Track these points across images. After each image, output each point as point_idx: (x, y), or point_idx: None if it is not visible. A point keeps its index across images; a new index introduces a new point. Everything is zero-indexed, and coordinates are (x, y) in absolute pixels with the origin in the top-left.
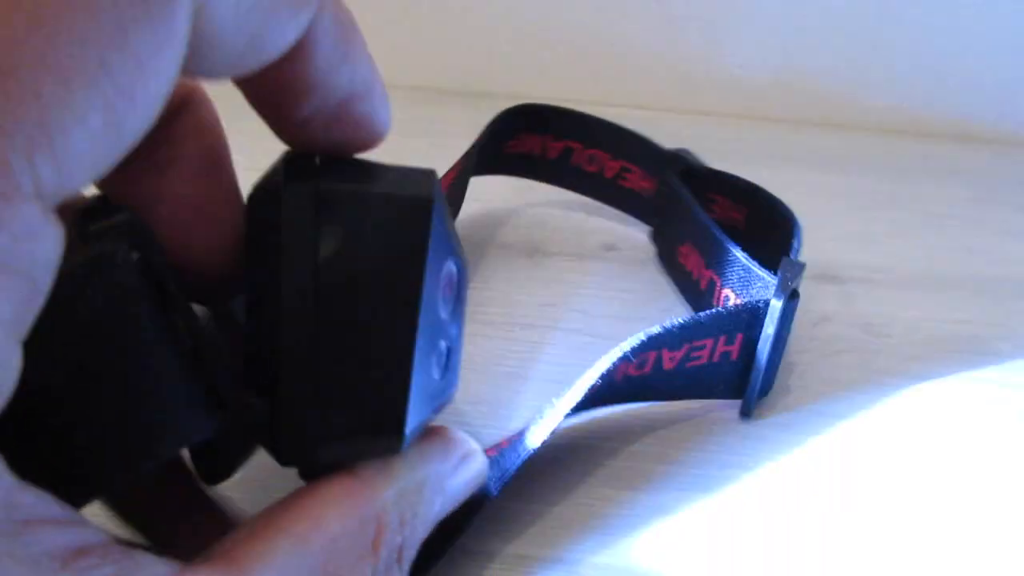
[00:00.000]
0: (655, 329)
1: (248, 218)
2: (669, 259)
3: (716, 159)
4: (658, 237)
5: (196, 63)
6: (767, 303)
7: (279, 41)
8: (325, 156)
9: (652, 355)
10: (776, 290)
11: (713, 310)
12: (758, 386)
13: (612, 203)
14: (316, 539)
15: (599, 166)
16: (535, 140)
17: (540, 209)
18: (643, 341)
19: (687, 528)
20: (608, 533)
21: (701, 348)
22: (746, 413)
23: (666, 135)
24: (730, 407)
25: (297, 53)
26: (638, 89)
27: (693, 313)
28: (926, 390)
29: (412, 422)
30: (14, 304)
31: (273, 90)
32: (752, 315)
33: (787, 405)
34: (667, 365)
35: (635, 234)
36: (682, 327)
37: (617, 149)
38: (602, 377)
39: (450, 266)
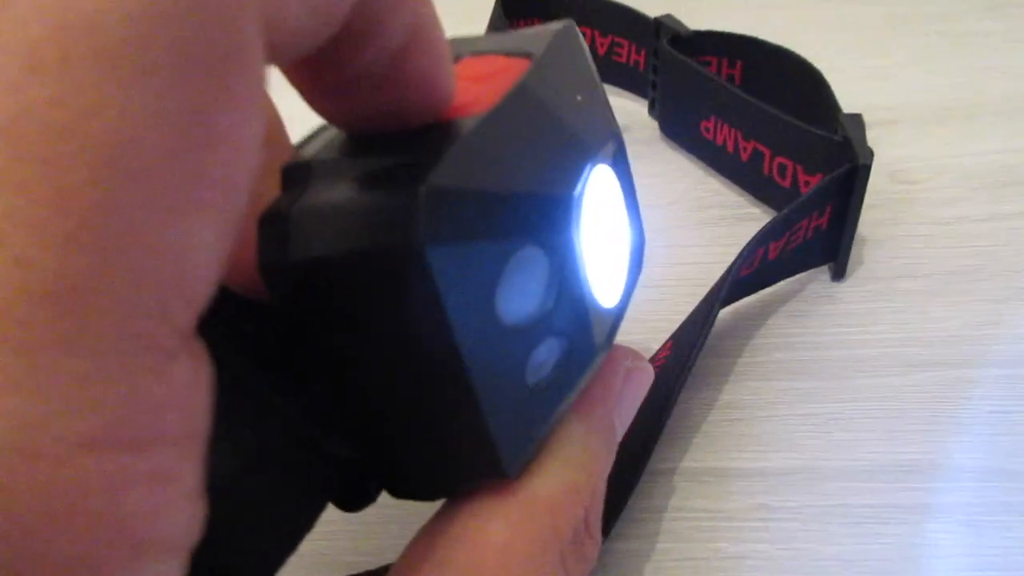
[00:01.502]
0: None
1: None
2: (688, 135)
3: (716, 5)
4: (665, 113)
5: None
6: (856, 168)
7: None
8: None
9: (760, 251)
10: (860, 151)
11: (808, 192)
12: (851, 248)
13: (610, 81)
14: (485, 558)
15: (590, 43)
16: (523, 25)
17: None
18: (754, 242)
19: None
20: (733, 435)
21: (799, 230)
22: (840, 275)
23: None
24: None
25: None
26: None
27: (728, 184)
28: (957, 235)
29: (511, 454)
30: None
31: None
32: (842, 183)
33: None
34: (772, 256)
35: (641, 110)
36: (785, 217)
37: (604, 22)
38: (726, 288)
39: (522, 257)
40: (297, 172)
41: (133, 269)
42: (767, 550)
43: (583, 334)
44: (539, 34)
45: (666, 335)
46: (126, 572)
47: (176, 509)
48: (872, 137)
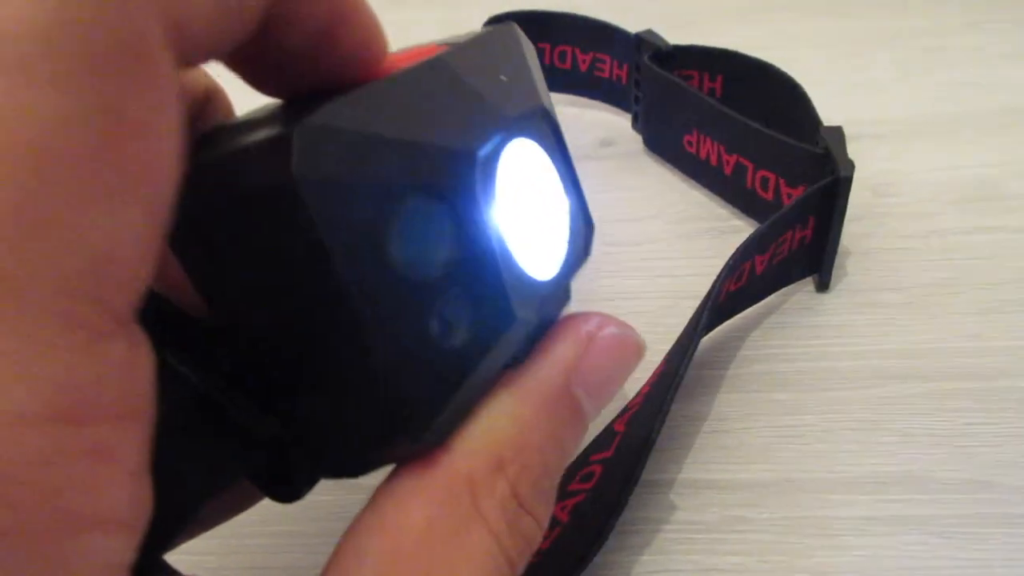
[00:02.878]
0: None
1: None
2: (671, 149)
3: (700, 20)
4: (648, 126)
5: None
6: (838, 180)
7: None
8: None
9: (747, 265)
10: (841, 163)
11: (790, 204)
12: (834, 260)
13: (594, 96)
14: (403, 542)
15: (572, 61)
16: None
17: None
18: (739, 255)
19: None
20: (711, 447)
21: (783, 243)
22: (825, 286)
23: (639, 1)
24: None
25: None
26: None
27: (712, 197)
28: (937, 248)
29: (420, 413)
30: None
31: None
32: (823, 195)
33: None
34: (759, 270)
35: (625, 124)
36: (768, 228)
37: (584, 41)
38: (712, 301)
39: (417, 205)
40: (208, 135)
41: (56, 256)
42: (744, 562)
43: (497, 298)
44: (477, 33)
45: (647, 347)
46: (66, 546)
47: (117, 486)
48: (855, 150)
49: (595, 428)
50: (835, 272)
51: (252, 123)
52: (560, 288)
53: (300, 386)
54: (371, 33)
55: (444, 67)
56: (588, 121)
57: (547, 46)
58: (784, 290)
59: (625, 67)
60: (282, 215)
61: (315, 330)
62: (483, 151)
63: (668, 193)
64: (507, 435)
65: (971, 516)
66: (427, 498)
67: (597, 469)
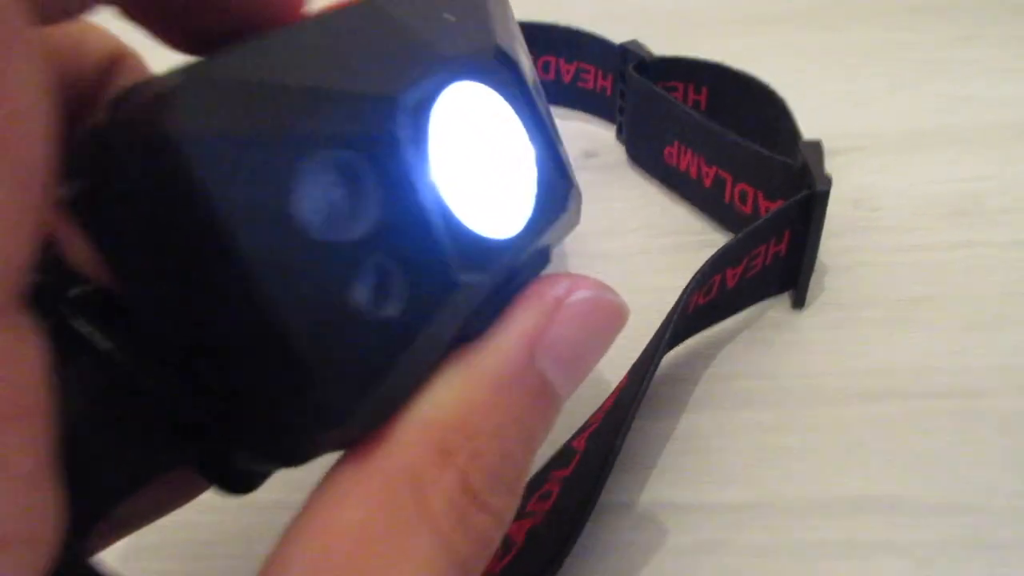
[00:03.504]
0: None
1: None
2: (652, 160)
3: (682, 32)
4: (631, 138)
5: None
6: (814, 194)
7: None
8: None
9: (717, 278)
10: (818, 177)
11: (764, 216)
12: (811, 276)
13: (578, 107)
14: (336, 544)
15: (555, 72)
16: None
17: None
18: (710, 266)
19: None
20: (689, 467)
21: (757, 256)
22: (800, 303)
23: (625, 12)
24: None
25: None
26: None
27: (694, 211)
28: (920, 263)
29: (343, 393)
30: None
31: None
32: (800, 209)
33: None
34: (730, 283)
35: (611, 135)
36: (740, 241)
37: (568, 51)
38: (679, 313)
39: (326, 159)
40: (117, 99)
41: None
42: None
43: (435, 262)
44: None
45: (621, 362)
46: None
47: (7, 495)
48: (838, 164)
49: (556, 443)
50: (817, 287)
51: (157, 82)
52: (529, 248)
53: (218, 368)
54: None
55: (372, 6)
56: (572, 132)
57: (530, 55)
58: (765, 305)
59: (610, 77)
60: (169, 178)
61: (220, 305)
62: (409, 96)
63: (651, 206)
64: (455, 419)
65: (953, 541)
66: (363, 495)
67: (555, 488)
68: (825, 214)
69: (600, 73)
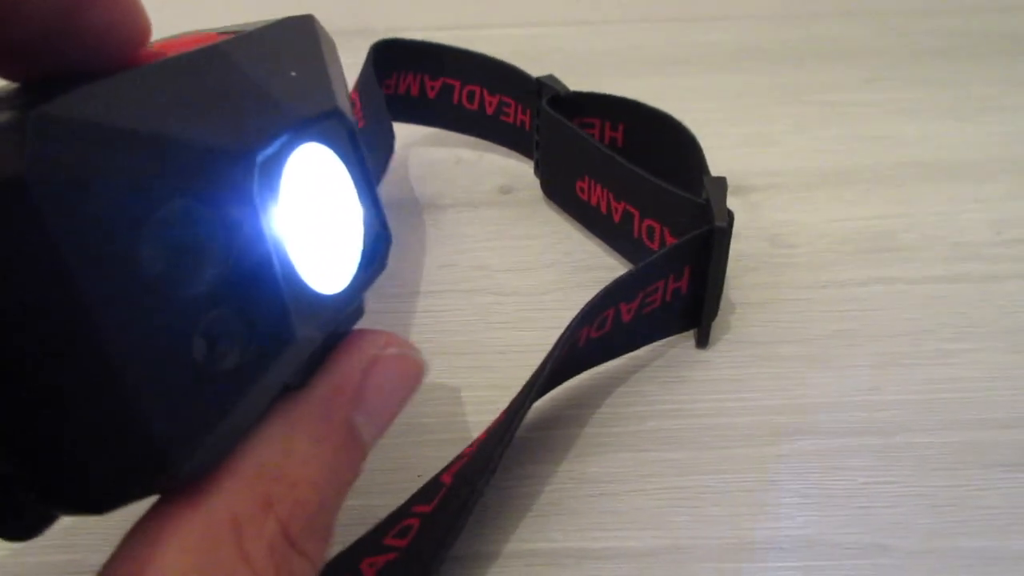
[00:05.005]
0: (608, 285)
1: None
2: (565, 195)
3: (600, 71)
4: (546, 172)
5: None
6: (713, 230)
7: None
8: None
9: (611, 312)
10: (718, 213)
11: (661, 251)
12: (712, 314)
13: (498, 140)
14: None
15: (479, 102)
16: (412, 78)
17: (428, 156)
18: (600, 300)
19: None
20: (600, 511)
21: (654, 292)
22: (703, 342)
23: (543, 50)
24: (669, 343)
25: None
26: (514, 5)
27: (606, 248)
28: (834, 299)
29: (174, 444)
30: None
31: None
32: (699, 245)
33: (716, 334)
34: (625, 318)
35: (528, 171)
36: (634, 276)
37: (492, 82)
38: (567, 345)
39: (176, 209)
40: None
41: None
42: None
43: (274, 316)
44: (269, 22)
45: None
46: None
47: None
48: (754, 201)
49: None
50: (732, 324)
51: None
52: (351, 303)
53: (34, 412)
54: (124, 12)
55: (221, 57)
56: (490, 167)
57: (457, 83)
58: (678, 342)
59: (528, 112)
60: (11, 218)
61: (53, 350)
62: (263, 154)
63: (566, 241)
64: (279, 469)
65: None
66: (185, 542)
67: (415, 524)
68: (727, 251)
69: (520, 107)
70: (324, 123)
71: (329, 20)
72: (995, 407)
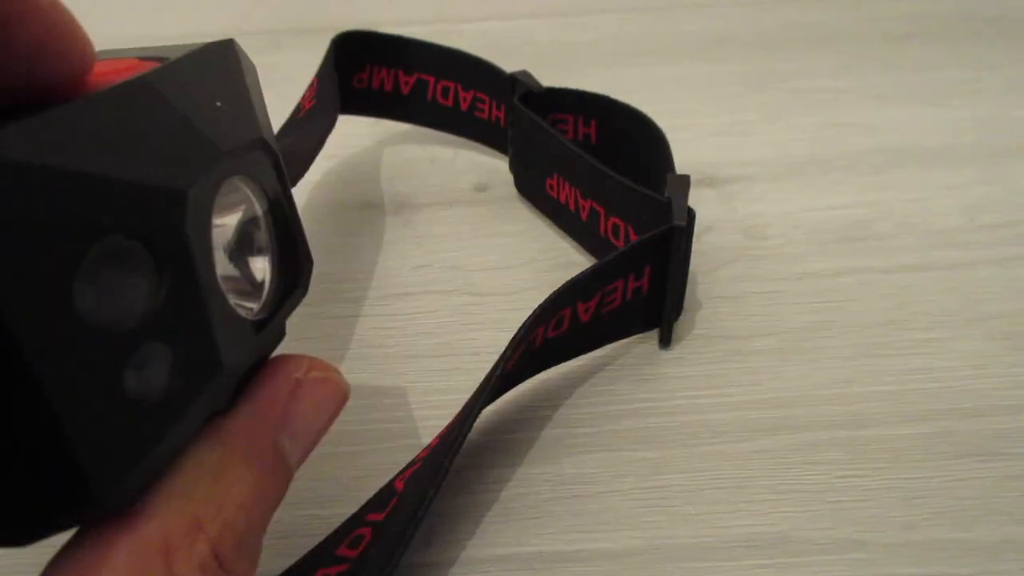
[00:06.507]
0: (563, 284)
1: None
2: (536, 192)
3: (573, 64)
4: (518, 169)
5: None
6: (672, 229)
7: None
8: None
9: (567, 311)
10: (677, 212)
11: (618, 251)
12: (675, 314)
13: (473, 137)
14: None
15: (454, 98)
16: (386, 73)
17: (402, 155)
18: (555, 299)
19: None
20: (574, 513)
21: (613, 291)
22: (666, 342)
23: (516, 43)
24: (643, 340)
25: None
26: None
27: (578, 246)
28: (809, 290)
29: (103, 476)
30: None
31: None
32: (658, 244)
33: (689, 329)
34: (583, 318)
35: (502, 167)
36: (590, 275)
37: (467, 78)
38: (521, 345)
39: (111, 247)
40: None
41: None
42: None
43: (204, 345)
44: (191, 47)
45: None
46: None
47: None
48: (728, 193)
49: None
50: (707, 318)
51: None
52: (274, 327)
53: None
54: (57, 34)
55: (149, 90)
56: (465, 165)
57: (431, 78)
58: (649, 339)
59: (503, 108)
60: None
61: None
62: (194, 190)
63: (541, 239)
64: (207, 493)
65: None
66: (115, 564)
67: (367, 533)
68: (688, 250)
69: (494, 103)
70: (249, 154)
71: (300, 16)
72: (968, 396)
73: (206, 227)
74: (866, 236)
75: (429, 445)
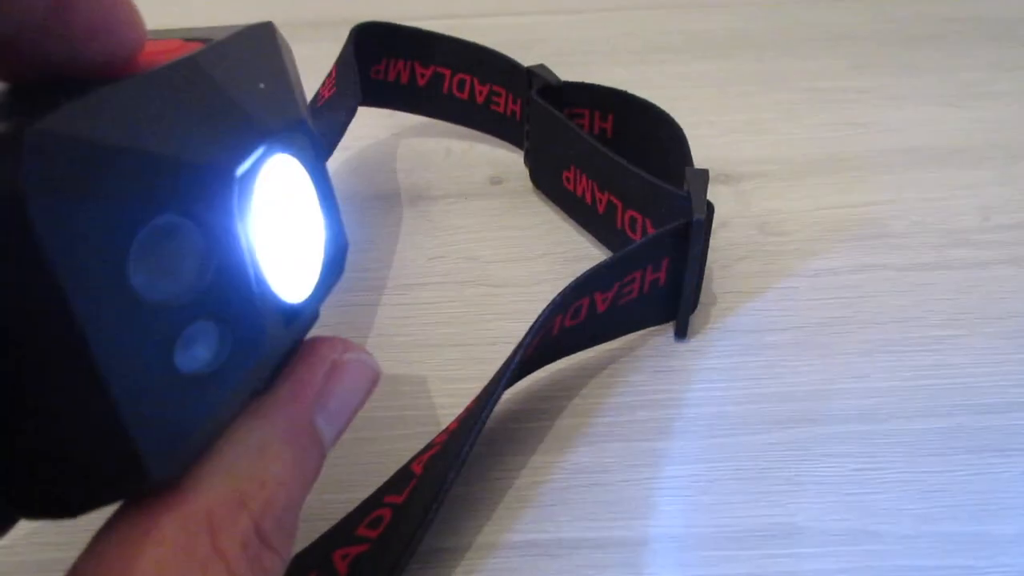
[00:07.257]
0: (584, 274)
1: None
2: (552, 185)
3: (590, 60)
4: (534, 162)
5: None
6: (690, 223)
7: None
8: None
9: (585, 301)
10: (696, 206)
11: (638, 242)
12: (691, 306)
13: (488, 130)
14: None
15: (469, 91)
16: (403, 66)
17: (418, 147)
18: (573, 288)
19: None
20: (591, 502)
21: (631, 282)
22: (681, 334)
23: (539, 38)
24: (659, 332)
25: None
26: None
27: (593, 239)
28: (825, 287)
29: (154, 450)
30: None
31: None
32: (677, 237)
33: (705, 322)
34: (601, 308)
35: (518, 161)
36: (610, 266)
37: (483, 71)
38: (539, 333)
39: (163, 225)
40: None
41: None
42: None
43: (250, 324)
44: (232, 29)
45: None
46: None
47: None
48: (744, 189)
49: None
50: (723, 312)
51: None
52: (312, 309)
53: (12, 418)
54: (111, 16)
55: (197, 70)
56: (480, 158)
57: (448, 71)
58: (667, 331)
59: (519, 101)
60: (7, 231)
61: (38, 360)
62: (241, 169)
63: (556, 232)
64: (250, 470)
65: (859, 569)
66: (159, 538)
67: (386, 514)
68: (706, 244)
69: (510, 97)
70: (292, 135)
71: (320, 9)
72: (983, 393)
73: (252, 206)
74: (882, 234)
75: (447, 428)
